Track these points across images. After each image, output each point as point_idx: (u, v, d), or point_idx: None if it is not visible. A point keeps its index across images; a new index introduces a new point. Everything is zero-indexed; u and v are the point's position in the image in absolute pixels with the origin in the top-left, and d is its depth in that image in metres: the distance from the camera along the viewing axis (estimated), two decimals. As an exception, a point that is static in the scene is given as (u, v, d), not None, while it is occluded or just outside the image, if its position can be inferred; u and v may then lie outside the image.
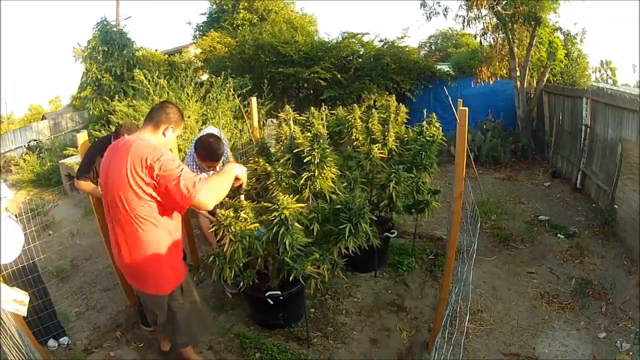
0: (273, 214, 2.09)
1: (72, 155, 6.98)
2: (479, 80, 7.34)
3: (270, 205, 2.13)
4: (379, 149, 3.03)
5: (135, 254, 1.83)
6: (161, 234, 1.84)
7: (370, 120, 3.40)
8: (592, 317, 2.85)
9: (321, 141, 2.43)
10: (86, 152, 2.63)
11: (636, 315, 2.79)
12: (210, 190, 1.71)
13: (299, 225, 2.21)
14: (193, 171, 2.85)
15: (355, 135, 3.49)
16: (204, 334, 2.46)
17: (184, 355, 2.26)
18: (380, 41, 8.86)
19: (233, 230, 2.02)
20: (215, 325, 2.74)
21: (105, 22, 7.46)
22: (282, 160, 2.59)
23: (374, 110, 3.53)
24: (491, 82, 7.37)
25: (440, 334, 1.83)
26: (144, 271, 1.89)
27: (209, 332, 2.57)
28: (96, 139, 2.84)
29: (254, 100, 3.84)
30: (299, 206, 2.17)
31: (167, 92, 6.48)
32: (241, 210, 2.07)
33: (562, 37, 6.73)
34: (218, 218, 2.03)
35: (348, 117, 3.53)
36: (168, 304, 2.03)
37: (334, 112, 3.82)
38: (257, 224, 2.11)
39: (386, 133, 3.20)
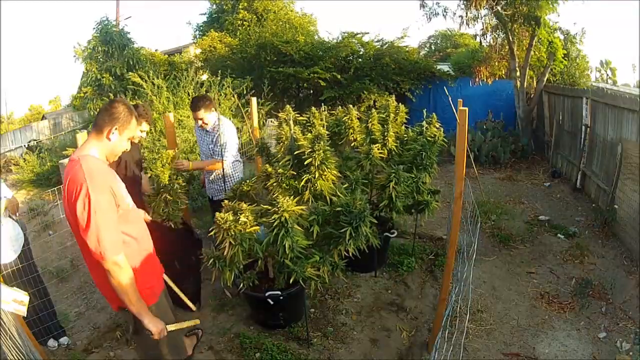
0: (273, 216, 2.07)
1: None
2: (477, 80, 7.34)
3: (270, 207, 2.13)
4: (378, 149, 3.02)
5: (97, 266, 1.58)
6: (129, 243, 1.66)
7: (370, 120, 3.40)
8: (592, 317, 2.85)
9: (322, 143, 2.42)
10: None
11: (636, 315, 2.80)
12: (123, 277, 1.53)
13: (299, 228, 2.20)
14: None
15: (353, 136, 3.48)
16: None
17: None
18: (379, 41, 8.86)
19: (233, 233, 2.01)
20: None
21: (106, 22, 7.45)
22: (282, 162, 2.59)
23: (373, 110, 3.53)
24: (489, 82, 7.37)
25: (440, 334, 1.82)
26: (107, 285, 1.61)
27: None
28: None
29: (254, 100, 3.85)
30: (299, 208, 2.16)
31: (166, 92, 6.47)
32: (240, 214, 2.07)
33: (561, 37, 6.73)
34: (217, 221, 2.02)
35: (345, 117, 3.53)
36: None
37: (333, 112, 3.82)
38: (257, 227, 2.10)
39: (386, 133, 3.20)
